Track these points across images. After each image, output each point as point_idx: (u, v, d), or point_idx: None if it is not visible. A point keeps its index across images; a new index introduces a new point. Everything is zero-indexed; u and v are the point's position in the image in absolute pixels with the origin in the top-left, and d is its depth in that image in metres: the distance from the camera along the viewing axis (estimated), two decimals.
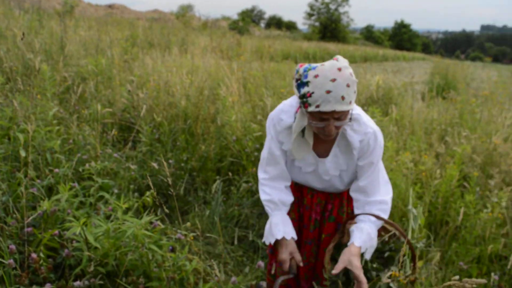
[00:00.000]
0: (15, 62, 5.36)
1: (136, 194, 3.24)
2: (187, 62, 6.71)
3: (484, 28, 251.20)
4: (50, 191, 2.78)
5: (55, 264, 2.00)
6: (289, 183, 2.08)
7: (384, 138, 4.17)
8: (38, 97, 3.73)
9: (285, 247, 1.94)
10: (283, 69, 7.50)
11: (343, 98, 1.66)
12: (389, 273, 1.82)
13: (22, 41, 5.79)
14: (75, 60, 6.43)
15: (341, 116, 1.72)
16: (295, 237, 1.99)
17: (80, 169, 2.97)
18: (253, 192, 3.52)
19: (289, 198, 2.05)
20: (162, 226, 2.11)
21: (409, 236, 2.24)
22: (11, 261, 1.81)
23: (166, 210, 2.03)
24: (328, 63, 1.71)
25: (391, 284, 1.81)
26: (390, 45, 50.53)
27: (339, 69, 1.67)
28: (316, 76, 1.68)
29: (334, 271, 1.74)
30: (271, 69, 6.96)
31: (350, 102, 1.69)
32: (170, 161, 3.73)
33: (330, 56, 16.37)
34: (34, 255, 1.84)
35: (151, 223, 2.03)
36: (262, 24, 56.17)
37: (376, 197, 1.92)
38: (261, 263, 2.02)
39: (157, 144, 4.02)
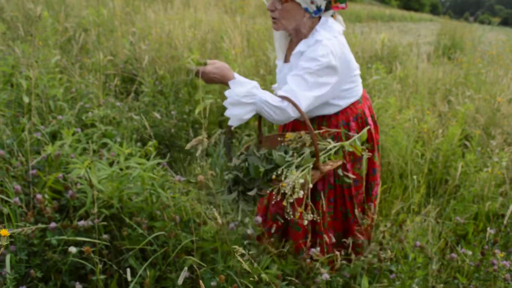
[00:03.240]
0: (15, 12, 5.27)
1: (139, 144, 3.25)
2: (189, 15, 6.59)
3: None
4: (54, 138, 2.80)
5: (60, 206, 2.03)
6: None
7: (387, 96, 4.17)
8: (39, 43, 3.69)
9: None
10: None
11: None
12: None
13: None
14: (76, 11, 6.32)
15: None
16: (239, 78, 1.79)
17: (83, 117, 2.97)
18: None
19: None
20: (166, 172, 2.14)
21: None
22: (17, 199, 1.84)
23: (164, 151, 2.04)
24: None
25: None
26: (397, 5, 49.23)
27: None
28: None
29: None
30: None
31: None
32: (173, 112, 3.72)
33: None
34: (39, 196, 1.87)
35: (158, 164, 2.06)
36: None
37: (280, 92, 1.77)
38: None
39: (160, 96, 4.01)
